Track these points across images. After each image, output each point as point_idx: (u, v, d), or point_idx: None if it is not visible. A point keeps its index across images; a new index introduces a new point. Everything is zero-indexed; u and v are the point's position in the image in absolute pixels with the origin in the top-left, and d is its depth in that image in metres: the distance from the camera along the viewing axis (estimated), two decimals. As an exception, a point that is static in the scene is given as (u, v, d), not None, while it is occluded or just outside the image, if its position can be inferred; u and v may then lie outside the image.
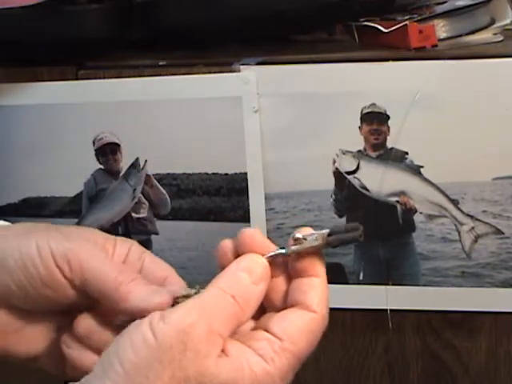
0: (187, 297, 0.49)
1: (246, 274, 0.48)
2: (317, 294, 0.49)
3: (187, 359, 0.43)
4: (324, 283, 0.50)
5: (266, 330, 0.48)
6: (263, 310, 0.51)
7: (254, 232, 0.51)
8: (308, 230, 0.50)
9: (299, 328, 0.48)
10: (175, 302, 0.50)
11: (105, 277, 0.51)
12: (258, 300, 0.48)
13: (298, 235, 0.50)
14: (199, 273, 0.89)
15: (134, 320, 0.50)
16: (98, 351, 0.52)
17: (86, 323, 0.53)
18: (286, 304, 0.50)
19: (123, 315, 0.52)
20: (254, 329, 0.50)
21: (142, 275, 0.54)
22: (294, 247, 0.50)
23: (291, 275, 0.51)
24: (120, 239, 0.56)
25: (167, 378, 0.43)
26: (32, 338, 0.55)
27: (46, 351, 0.56)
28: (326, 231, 0.49)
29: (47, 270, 0.51)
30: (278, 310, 0.50)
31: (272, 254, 0.50)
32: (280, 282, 0.51)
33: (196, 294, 0.48)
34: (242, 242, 0.50)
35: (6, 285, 0.51)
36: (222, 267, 0.50)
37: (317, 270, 0.51)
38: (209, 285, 0.47)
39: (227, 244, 0.51)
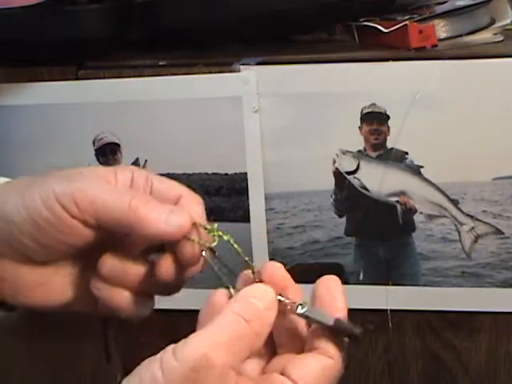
0: (210, 231, 0.49)
1: (258, 300, 0.47)
2: (333, 340, 0.48)
3: None
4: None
5: (282, 373, 0.47)
6: (270, 349, 0.51)
7: (277, 268, 0.50)
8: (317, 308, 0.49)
9: (316, 374, 0.47)
10: (195, 226, 0.49)
11: (117, 206, 0.49)
12: (270, 326, 0.47)
13: (301, 311, 0.49)
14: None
15: (156, 247, 0.50)
16: (127, 287, 0.52)
17: (109, 263, 0.52)
18: (304, 348, 0.49)
19: (144, 243, 0.51)
20: (263, 371, 0.49)
21: (155, 198, 0.52)
22: (303, 311, 0.49)
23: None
24: (120, 167, 0.54)
25: None
26: (59, 288, 0.54)
27: (75, 297, 0.55)
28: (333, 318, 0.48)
29: (56, 217, 0.49)
30: (286, 348, 0.50)
31: (287, 301, 0.49)
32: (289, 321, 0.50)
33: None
34: (265, 275, 0.49)
35: (20, 241, 0.50)
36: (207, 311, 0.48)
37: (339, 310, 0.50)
38: (225, 308, 0.46)
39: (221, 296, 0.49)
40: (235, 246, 0.50)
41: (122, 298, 0.52)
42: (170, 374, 0.42)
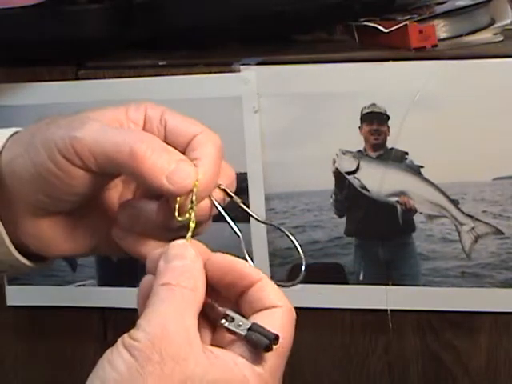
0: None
1: (179, 260, 0.46)
2: (271, 292, 0.47)
3: (168, 367, 0.42)
4: (269, 281, 0.48)
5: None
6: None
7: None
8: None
9: (276, 325, 0.46)
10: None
11: (117, 153, 0.47)
12: (202, 273, 0.46)
13: (223, 322, 0.47)
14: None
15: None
16: (149, 234, 0.52)
17: (126, 211, 0.52)
18: (246, 315, 0.48)
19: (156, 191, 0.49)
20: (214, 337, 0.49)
21: (168, 140, 0.50)
22: (225, 322, 0.47)
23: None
24: (132, 105, 0.52)
25: None
26: (84, 237, 0.54)
27: (101, 243, 0.55)
28: (248, 324, 0.46)
29: (61, 169, 0.49)
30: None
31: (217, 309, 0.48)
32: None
33: None
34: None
35: (33, 196, 0.50)
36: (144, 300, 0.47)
37: (256, 275, 0.48)
38: (153, 287, 0.46)
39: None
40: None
41: (143, 245, 0.52)
42: (136, 350, 0.43)
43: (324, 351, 0.91)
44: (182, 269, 0.46)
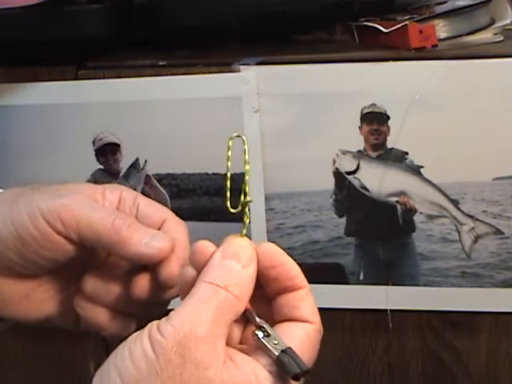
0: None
1: (234, 261, 0.46)
2: (309, 306, 0.48)
3: (188, 373, 0.42)
4: (310, 293, 0.48)
5: None
6: None
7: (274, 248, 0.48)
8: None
9: (301, 341, 0.46)
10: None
11: (100, 224, 0.50)
12: (252, 283, 0.46)
13: (259, 334, 0.46)
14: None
15: (137, 267, 0.51)
16: (110, 306, 0.53)
17: (92, 282, 0.53)
18: (274, 320, 0.48)
19: (126, 263, 0.52)
20: (244, 334, 0.48)
21: (139, 220, 0.53)
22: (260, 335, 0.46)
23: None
24: (109, 186, 0.55)
25: None
26: (41, 302, 0.55)
27: (57, 312, 0.56)
28: (284, 346, 0.45)
29: (41, 233, 0.51)
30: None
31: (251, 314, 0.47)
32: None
33: None
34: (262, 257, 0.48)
35: (4, 254, 0.51)
36: (182, 290, 0.47)
37: (302, 281, 0.48)
38: (199, 279, 0.45)
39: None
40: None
41: (104, 317, 0.53)
42: (159, 348, 0.42)
43: (324, 351, 0.90)
44: (235, 272, 0.46)
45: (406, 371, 0.90)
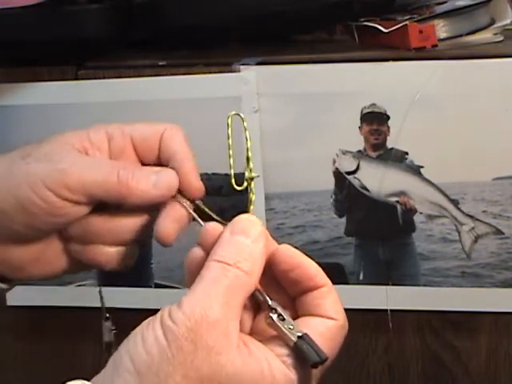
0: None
1: (242, 236, 0.46)
2: (332, 303, 0.47)
3: (199, 359, 0.42)
4: (332, 290, 0.48)
5: None
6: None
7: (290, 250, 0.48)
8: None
9: (321, 335, 0.46)
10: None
11: (107, 182, 0.50)
12: (263, 258, 0.46)
13: (274, 316, 0.45)
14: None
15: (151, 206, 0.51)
16: (109, 242, 0.53)
17: (81, 226, 0.53)
18: (297, 315, 0.48)
19: (137, 206, 0.52)
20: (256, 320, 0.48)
21: (140, 147, 0.53)
22: (274, 316, 0.46)
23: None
24: (92, 129, 0.54)
25: (180, 377, 0.42)
26: (53, 259, 0.55)
27: (71, 263, 0.55)
28: (300, 332, 0.44)
29: (49, 204, 0.50)
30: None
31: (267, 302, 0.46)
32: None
33: None
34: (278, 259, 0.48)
35: (9, 227, 0.51)
36: (191, 273, 0.47)
37: (322, 279, 0.47)
38: (208, 259, 0.45)
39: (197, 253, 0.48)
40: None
41: (106, 253, 0.53)
42: (170, 334, 0.42)
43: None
44: (244, 247, 0.45)
45: (406, 371, 0.90)
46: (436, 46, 0.82)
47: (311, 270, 0.47)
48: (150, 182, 0.50)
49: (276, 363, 0.44)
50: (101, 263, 0.53)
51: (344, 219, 0.87)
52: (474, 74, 0.81)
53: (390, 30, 0.83)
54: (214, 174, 0.87)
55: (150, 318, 0.44)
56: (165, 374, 0.42)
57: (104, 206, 0.52)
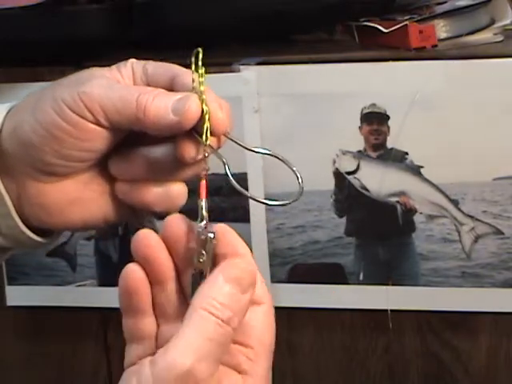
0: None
1: (237, 287, 0.45)
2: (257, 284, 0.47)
3: None
4: (253, 265, 0.47)
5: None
6: None
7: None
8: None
9: (262, 326, 0.46)
10: None
11: (125, 105, 0.49)
12: (247, 309, 0.45)
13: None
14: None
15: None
16: (152, 180, 0.52)
17: (116, 162, 0.52)
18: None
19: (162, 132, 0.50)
20: None
21: (151, 83, 0.51)
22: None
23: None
24: (122, 64, 0.53)
25: None
26: (93, 202, 0.53)
27: (112, 208, 0.54)
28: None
29: (73, 125, 0.49)
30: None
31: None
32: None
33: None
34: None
35: (41, 160, 0.50)
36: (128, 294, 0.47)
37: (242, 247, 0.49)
38: (194, 302, 0.44)
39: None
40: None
41: (151, 193, 0.52)
42: (159, 381, 0.42)
43: (324, 351, 0.91)
44: (235, 302, 0.44)
45: (406, 371, 0.90)
46: (436, 46, 0.82)
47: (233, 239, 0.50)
48: (169, 107, 0.48)
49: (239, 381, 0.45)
50: (149, 204, 0.52)
51: (344, 219, 0.87)
52: (474, 74, 0.81)
53: (390, 30, 0.83)
54: (213, 173, 0.87)
55: (140, 360, 0.45)
56: None
57: (143, 138, 0.51)
